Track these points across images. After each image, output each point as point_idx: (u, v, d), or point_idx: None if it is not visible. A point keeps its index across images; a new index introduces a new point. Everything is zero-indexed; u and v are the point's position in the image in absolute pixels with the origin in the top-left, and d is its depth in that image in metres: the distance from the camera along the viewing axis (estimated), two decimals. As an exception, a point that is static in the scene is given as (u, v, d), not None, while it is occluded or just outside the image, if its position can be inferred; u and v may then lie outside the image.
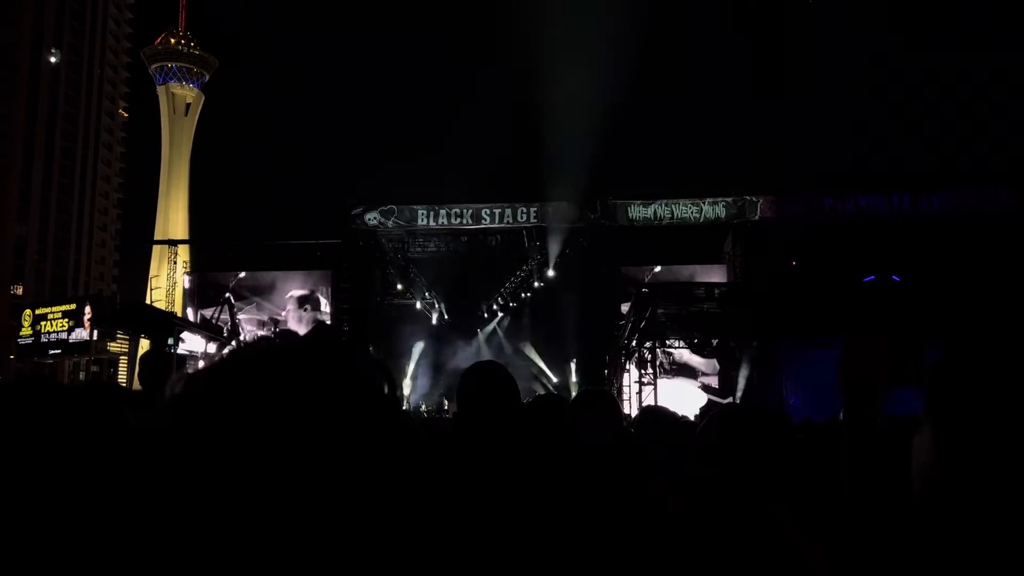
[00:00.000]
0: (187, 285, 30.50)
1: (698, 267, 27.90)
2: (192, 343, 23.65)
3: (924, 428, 0.79)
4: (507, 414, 2.42)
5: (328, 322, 27.87)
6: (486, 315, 30.77)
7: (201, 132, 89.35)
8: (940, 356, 0.82)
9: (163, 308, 28.88)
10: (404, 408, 0.76)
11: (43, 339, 30.24)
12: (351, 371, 0.72)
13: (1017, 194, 25.26)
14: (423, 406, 27.10)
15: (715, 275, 27.33)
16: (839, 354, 1.78)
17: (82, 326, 29.12)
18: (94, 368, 34.55)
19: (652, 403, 17.41)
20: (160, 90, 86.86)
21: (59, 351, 29.91)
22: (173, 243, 35.27)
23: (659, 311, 19.03)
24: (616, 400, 3.27)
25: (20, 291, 69.61)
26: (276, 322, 28.59)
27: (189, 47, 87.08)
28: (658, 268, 27.89)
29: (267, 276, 29.54)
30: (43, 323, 30.55)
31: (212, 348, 23.42)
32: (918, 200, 25.65)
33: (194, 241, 55.09)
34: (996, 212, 25.07)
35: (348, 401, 0.69)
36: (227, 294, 29.00)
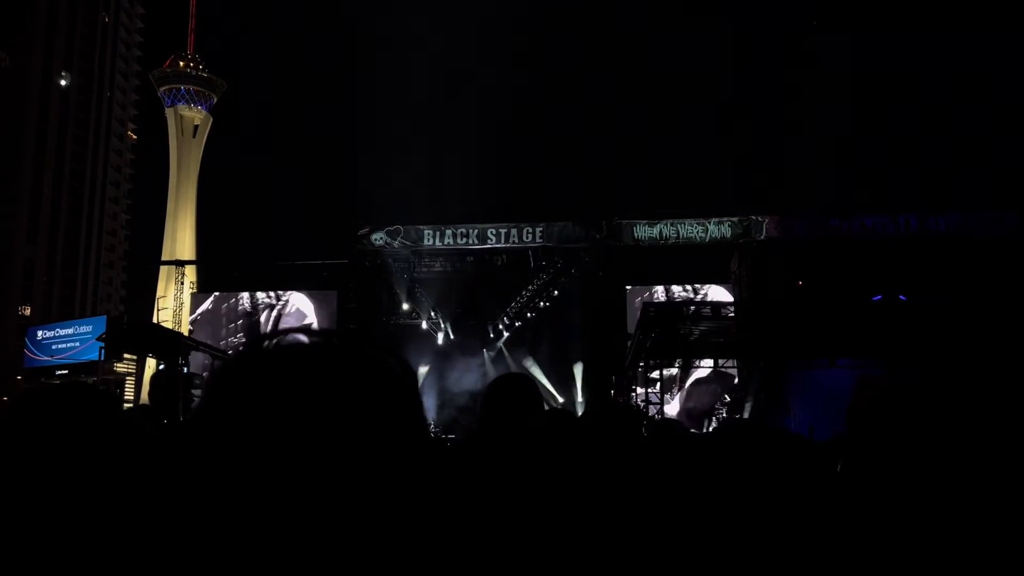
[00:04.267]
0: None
1: (704, 287, 27.86)
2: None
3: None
4: (536, 421, 2.44)
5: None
6: (492, 335, 30.69)
7: (209, 154, 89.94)
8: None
9: (170, 328, 28.94)
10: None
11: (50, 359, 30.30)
12: (377, 367, 0.72)
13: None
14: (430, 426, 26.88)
15: (721, 295, 27.30)
16: (852, 391, 1.84)
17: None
18: (101, 388, 34.58)
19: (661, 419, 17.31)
20: (168, 112, 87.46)
21: (66, 371, 29.94)
22: (180, 264, 35.43)
23: (665, 331, 18.99)
24: (639, 415, 3.28)
25: (28, 312, 69.84)
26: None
27: (197, 70, 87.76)
28: (664, 288, 27.87)
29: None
30: (50, 343, 30.63)
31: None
32: (925, 221, 25.60)
33: (201, 262, 55.23)
34: (1004, 235, 24.98)
35: (374, 398, 0.70)
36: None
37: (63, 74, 77.92)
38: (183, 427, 0.72)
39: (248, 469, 0.64)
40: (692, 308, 20.29)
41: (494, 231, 27.03)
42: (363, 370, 0.71)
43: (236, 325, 30.09)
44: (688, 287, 28.04)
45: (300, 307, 30.16)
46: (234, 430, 0.66)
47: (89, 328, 29.66)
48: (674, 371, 25.00)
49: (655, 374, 22.14)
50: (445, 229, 27.21)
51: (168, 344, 20.40)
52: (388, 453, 0.68)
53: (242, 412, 0.67)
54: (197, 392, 20.08)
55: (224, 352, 26.04)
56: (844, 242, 25.78)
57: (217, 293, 31.34)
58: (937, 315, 17.26)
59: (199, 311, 31.03)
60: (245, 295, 30.63)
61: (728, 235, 26.29)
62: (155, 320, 34.50)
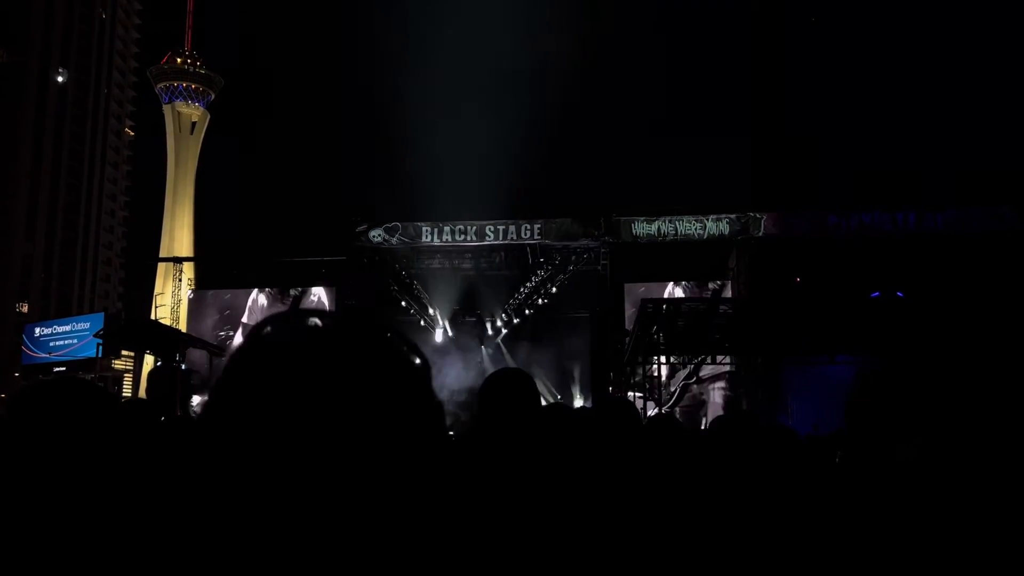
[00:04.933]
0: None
1: (702, 284, 27.86)
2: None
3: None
4: (532, 415, 2.45)
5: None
6: (490, 332, 30.70)
7: (206, 150, 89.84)
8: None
9: (168, 325, 28.92)
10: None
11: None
12: (397, 356, 0.71)
13: (1021, 212, 25.22)
14: None
15: (719, 292, 27.30)
16: (849, 386, 1.82)
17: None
18: (99, 385, 34.56)
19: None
20: (166, 109, 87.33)
21: (64, 368, 29.93)
22: (178, 260, 35.36)
23: (663, 328, 19.00)
24: (634, 408, 3.29)
25: (26, 309, 69.79)
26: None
27: (195, 67, 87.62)
28: (662, 284, 27.87)
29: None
30: (48, 340, 30.61)
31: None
32: (922, 218, 25.63)
33: (199, 258, 55.20)
34: (1001, 230, 25.02)
35: (393, 390, 0.69)
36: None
37: (60, 71, 77.78)
38: (202, 412, 0.71)
39: (259, 455, 0.63)
40: (689, 305, 20.29)
41: (492, 228, 27.03)
42: (380, 354, 0.70)
43: (219, 319, 30.09)
44: (686, 284, 28.01)
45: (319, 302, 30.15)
46: (247, 415, 0.65)
47: (87, 325, 29.66)
48: (672, 367, 24.99)
49: (653, 370, 22.17)
50: (443, 226, 27.20)
51: (166, 341, 20.39)
52: (404, 442, 0.67)
53: (256, 396, 0.66)
54: (194, 388, 20.08)
55: (219, 348, 26.02)
56: (842, 239, 25.81)
57: (193, 290, 31.56)
58: (935, 311, 17.27)
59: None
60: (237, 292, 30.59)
61: (726, 232, 26.30)
62: (153, 317, 34.47)
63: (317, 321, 0.72)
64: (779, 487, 2.03)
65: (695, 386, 25.56)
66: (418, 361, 0.74)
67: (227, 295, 30.30)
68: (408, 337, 0.74)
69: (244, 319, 29.75)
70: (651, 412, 20.02)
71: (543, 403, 2.81)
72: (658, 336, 19.39)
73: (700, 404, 25.56)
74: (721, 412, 23.15)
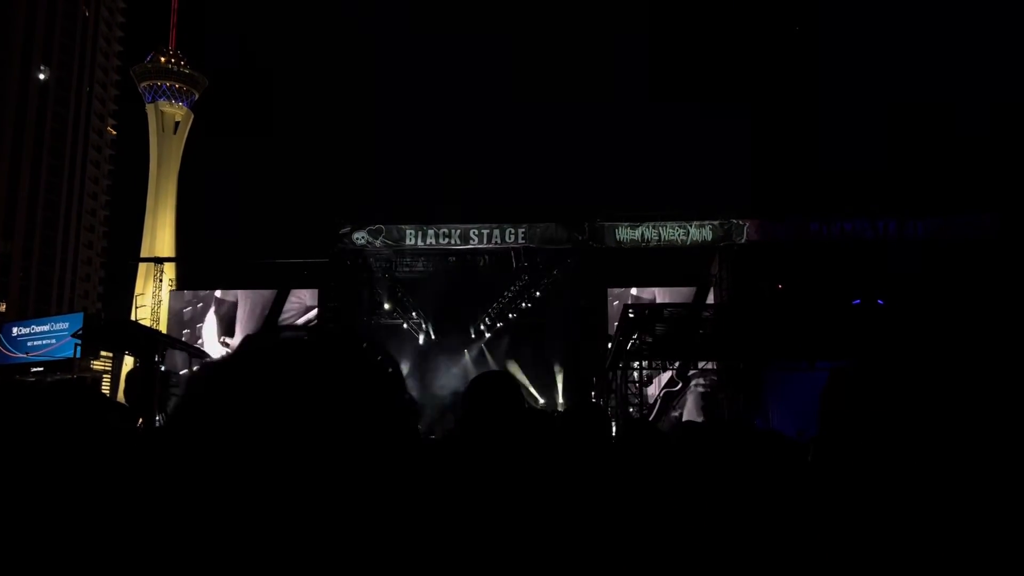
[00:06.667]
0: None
1: (685, 289, 27.98)
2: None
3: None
4: (516, 418, 2.44)
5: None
6: (473, 335, 30.68)
7: (189, 150, 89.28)
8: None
9: (148, 326, 28.68)
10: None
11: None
12: (367, 364, 0.71)
13: (1000, 220, 25.51)
14: None
15: (702, 297, 27.42)
16: (824, 384, 1.80)
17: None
18: (89, 385, 34.17)
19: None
20: (149, 108, 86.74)
21: (41, 368, 29.59)
22: (159, 261, 35.11)
23: (645, 333, 19.04)
24: (604, 412, 3.29)
25: (3, 308, 69.03)
26: None
27: (179, 66, 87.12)
28: (645, 290, 27.97)
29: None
30: (26, 340, 30.27)
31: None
32: (903, 225, 25.88)
33: (180, 259, 54.85)
34: (980, 238, 25.30)
35: (362, 396, 0.69)
36: None
37: (42, 68, 77.08)
38: (169, 419, 0.71)
39: (238, 463, 0.63)
40: (672, 310, 20.36)
41: (476, 231, 27.02)
42: (353, 365, 0.71)
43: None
44: (669, 289, 28.10)
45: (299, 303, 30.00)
46: (225, 423, 0.65)
47: (65, 325, 29.30)
48: (655, 372, 25.04)
49: (635, 375, 22.22)
50: (427, 229, 27.16)
51: (145, 342, 20.23)
52: (377, 447, 0.67)
53: (234, 405, 0.66)
54: (174, 390, 19.94)
55: (199, 351, 25.85)
56: (824, 246, 26.00)
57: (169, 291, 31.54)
58: (914, 318, 17.42)
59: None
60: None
61: (709, 238, 26.45)
62: (133, 318, 34.16)
63: (293, 334, 0.73)
64: (754, 489, 2.02)
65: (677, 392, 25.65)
66: (391, 369, 0.74)
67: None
68: (382, 346, 0.75)
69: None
70: (632, 415, 20.04)
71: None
72: (640, 341, 19.43)
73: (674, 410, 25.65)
74: (693, 419, 23.23)
